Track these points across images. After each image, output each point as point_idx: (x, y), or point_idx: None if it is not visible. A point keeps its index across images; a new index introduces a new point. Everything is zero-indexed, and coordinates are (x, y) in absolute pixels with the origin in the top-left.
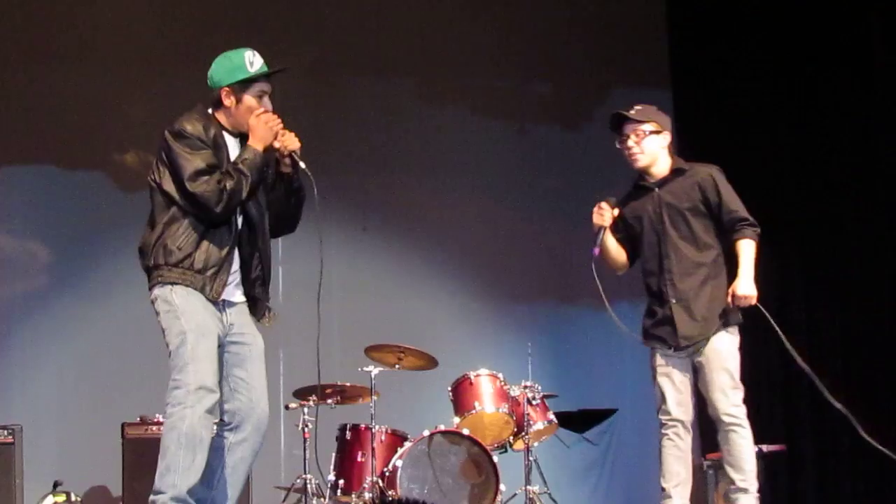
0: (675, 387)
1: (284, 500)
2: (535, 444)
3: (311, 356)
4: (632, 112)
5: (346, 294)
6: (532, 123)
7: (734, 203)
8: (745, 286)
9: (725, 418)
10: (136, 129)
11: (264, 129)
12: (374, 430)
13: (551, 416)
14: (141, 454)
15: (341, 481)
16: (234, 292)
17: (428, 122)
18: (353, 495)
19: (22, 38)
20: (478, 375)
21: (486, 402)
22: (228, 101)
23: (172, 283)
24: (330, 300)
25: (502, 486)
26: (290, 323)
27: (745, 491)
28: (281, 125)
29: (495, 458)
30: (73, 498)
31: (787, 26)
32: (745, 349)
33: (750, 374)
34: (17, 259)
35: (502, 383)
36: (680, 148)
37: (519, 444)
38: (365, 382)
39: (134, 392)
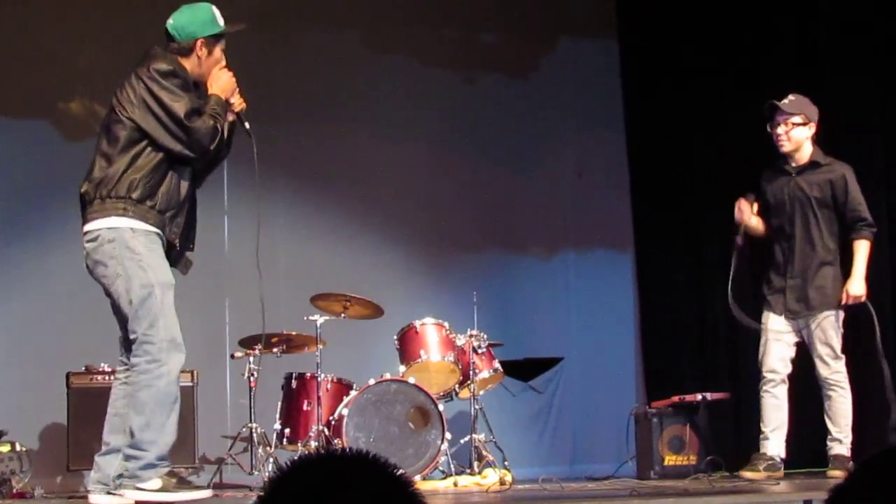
0: (777, 346)
1: (230, 449)
2: (481, 392)
3: (256, 305)
4: (784, 102)
5: (292, 244)
6: (479, 73)
7: (858, 203)
8: (857, 286)
9: (825, 382)
10: (80, 77)
11: (228, 82)
12: (319, 378)
13: (497, 365)
14: (86, 403)
15: (287, 430)
16: (182, 239)
17: (373, 72)
18: (299, 444)
19: None
20: (423, 324)
21: (432, 350)
22: (202, 52)
23: (133, 219)
24: (275, 250)
25: (448, 435)
26: (236, 272)
27: (839, 441)
28: (236, 86)
29: (441, 407)
30: (18, 448)
31: None
32: (689, 298)
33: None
34: None
35: (448, 332)
36: (627, 98)
37: (465, 393)
38: (311, 331)
39: (78, 341)
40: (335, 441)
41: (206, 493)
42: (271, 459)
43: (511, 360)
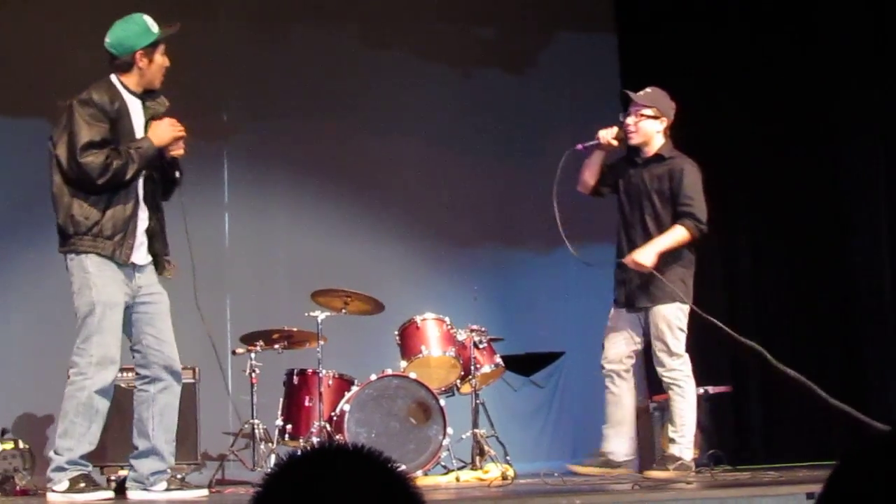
0: (616, 339)
1: (232, 445)
2: (482, 387)
3: (256, 301)
4: (639, 94)
5: (292, 240)
6: (476, 67)
7: (689, 198)
8: (644, 255)
9: (662, 379)
10: (80, 76)
11: (165, 132)
12: (321, 374)
13: (498, 360)
14: None
15: (289, 426)
16: (141, 255)
17: (371, 67)
18: (301, 440)
19: None
20: (424, 319)
21: (433, 345)
22: (143, 62)
23: (86, 252)
24: (276, 246)
25: (449, 430)
26: (236, 269)
27: (672, 441)
28: (182, 135)
29: (442, 402)
30: (20, 445)
31: None
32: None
33: (699, 322)
34: None
35: (449, 327)
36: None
37: (466, 388)
38: (311, 327)
39: None
40: (337, 437)
41: (105, 494)
42: (273, 456)
43: (512, 354)
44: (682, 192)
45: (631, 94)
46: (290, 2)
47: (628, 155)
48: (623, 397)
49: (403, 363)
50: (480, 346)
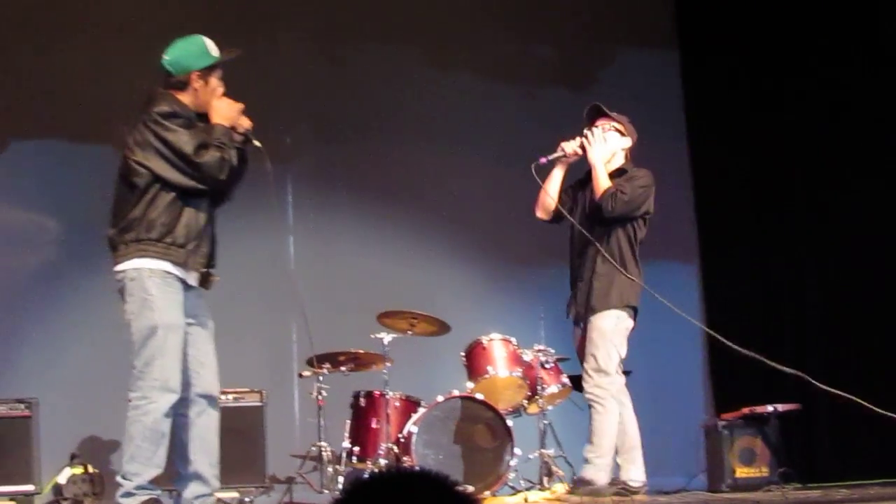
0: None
1: (300, 468)
2: (549, 407)
3: (323, 324)
4: (612, 113)
5: (357, 261)
6: (538, 87)
7: (625, 188)
8: (572, 145)
9: (586, 395)
10: (140, 100)
11: (227, 108)
12: (387, 396)
13: (565, 380)
14: None
15: (356, 448)
16: (193, 275)
17: (434, 88)
18: (368, 462)
19: (30, 12)
20: (490, 340)
21: (500, 366)
22: (198, 83)
23: (156, 259)
24: (341, 267)
25: (517, 451)
26: (303, 292)
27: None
28: (241, 107)
29: (509, 423)
30: (90, 469)
31: None
32: (759, 314)
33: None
34: (29, 233)
35: (515, 347)
36: (687, 110)
37: (533, 408)
38: (378, 349)
39: None
40: (404, 458)
41: None
42: (340, 478)
43: (578, 374)
44: (629, 183)
45: (603, 107)
46: (353, 24)
47: (585, 177)
48: (626, 423)
49: (470, 384)
50: (547, 367)
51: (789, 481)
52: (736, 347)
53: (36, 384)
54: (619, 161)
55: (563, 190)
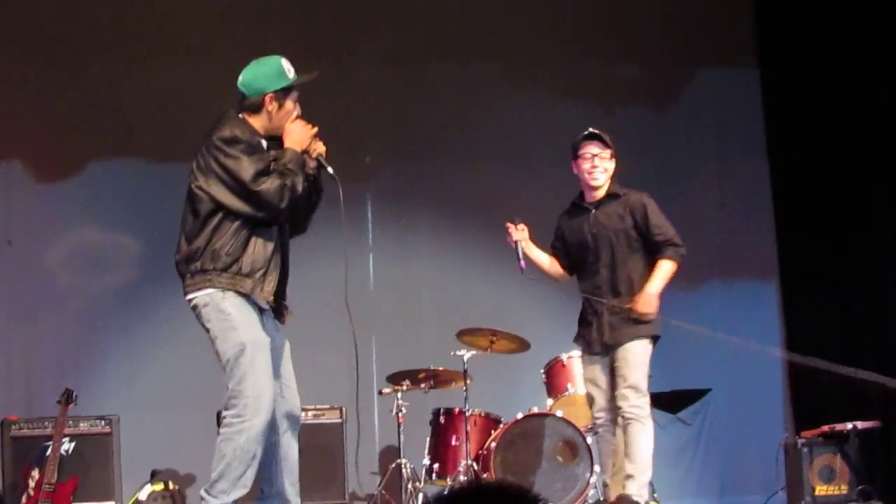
0: (600, 388)
1: (380, 485)
2: None
3: (402, 342)
4: (606, 136)
5: (437, 279)
6: (619, 105)
7: (659, 227)
8: (644, 303)
9: (626, 413)
10: None
11: (301, 132)
12: (467, 413)
13: None
14: None
15: (436, 465)
16: (263, 302)
17: (513, 106)
18: (448, 479)
19: (112, 33)
20: (570, 357)
21: (579, 383)
22: (272, 106)
23: (224, 290)
24: (421, 285)
25: (597, 468)
26: (382, 310)
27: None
28: (315, 130)
29: (589, 440)
30: (171, 486)
31: (881, 2)
32: (835, 329)
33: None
34: (110, 253)
35: None
36: (767, 129)
37: None
38: (457, 367)
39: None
40: (483, 476)
41: None
42: (421, 495)
43: (658, 391)
44: (651, 222)
45: (600, 134)
46: (430, 42)
47: (573, 204)
48: (621, 445)
49: (550, 401)
50: None
51: (869, 499)
52: (824, 364)
53: (116, 402)
54: (606, 187)
55: (552, 247)
